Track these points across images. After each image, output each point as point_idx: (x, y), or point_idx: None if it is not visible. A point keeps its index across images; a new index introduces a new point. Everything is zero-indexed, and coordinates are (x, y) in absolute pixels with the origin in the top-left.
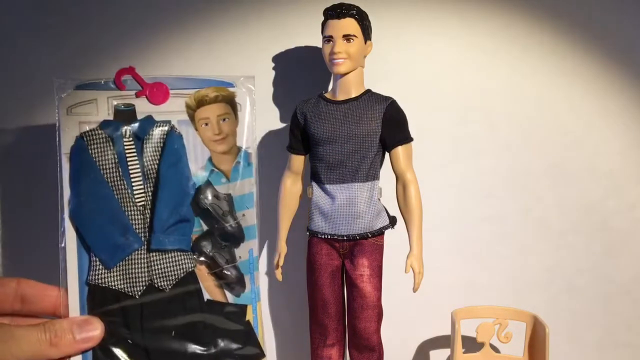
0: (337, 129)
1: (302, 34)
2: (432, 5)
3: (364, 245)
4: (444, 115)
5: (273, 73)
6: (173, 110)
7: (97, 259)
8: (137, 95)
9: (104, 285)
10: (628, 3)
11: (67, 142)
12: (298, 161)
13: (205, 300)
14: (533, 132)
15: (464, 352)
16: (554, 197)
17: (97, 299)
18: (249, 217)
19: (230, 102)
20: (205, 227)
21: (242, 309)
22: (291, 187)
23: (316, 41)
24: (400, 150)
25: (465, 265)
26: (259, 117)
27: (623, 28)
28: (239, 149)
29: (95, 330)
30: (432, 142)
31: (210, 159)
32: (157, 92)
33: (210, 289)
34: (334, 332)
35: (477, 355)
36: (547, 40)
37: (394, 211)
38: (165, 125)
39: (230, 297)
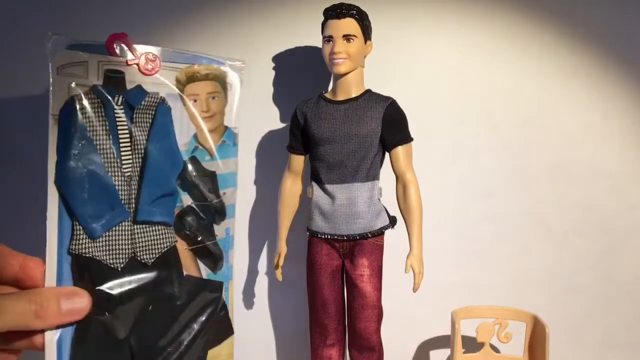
0: (337, 129)
1: (302, 34)
2: (432, 5)
3: (364, 245)
4: (444, 115)
5: (273, 73)
6: (162, 82)
7: (82, 228)
8: (128, 64)
9: (87, 255)
10: (628, 3)
11: (56, 103)
12: (298, 161)
13: (184, 275)
14: (533, 132)
15: (464, 352)
16: (555, 197)
17: (79, 270)
18: (229, 196)
19: (221, 81)
20: (186, 202)
21: (218, 285)
22: (291, 187)
23: (316, 41)
24: (400, 150)
25: (465, 265)
26: (260, 116)
27: (623, 28)
28: (226, 128)
29: (82, 302)
30: (432, 142)
31: (195, 136)
32: (148, 62)
33: (187, 265)
34: (334, 332)
35: (477, 355)
36: (548, 40)
37: (394, 211)
38: (157, 97)
39: (205, 274)
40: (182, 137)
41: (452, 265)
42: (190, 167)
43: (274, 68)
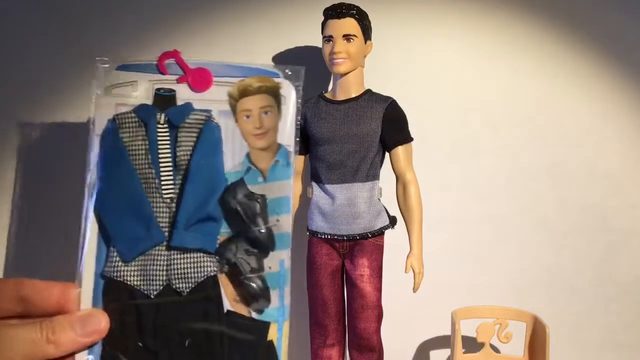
0: (337, 129)
1: (302, 34)
2: (432, 5)
3: (364, 245)
4: (444, 115)
5: None
6: (215, 99)
7: (116, 251)
8: (179, 81)
9: (119, 279)
10: (628, 3)
11: (100, 124)
12: (298, 161)
13: (225, 310)
14: (533, 133)
15: (464, 352)
16: (554, 197)
17: (111, 293)
18: (284, 223)
19: (274, 94)
20: (233, 230)
21: (264, 325)
22: None
23: (316, 41)
24: (400, 150)
25: (465, 265)
26: None
27: (623, 29)
28: (279, 146)
29: (99, 323)
30: (432, 142)
31: (248, 155)
32: (199, 78)
33: (231, 299)
34: (334, 332)
35: (477, 355)
36: (547, 41)
37: (394, 211)
38: (203, 114)
39: (253, 314)
40: (235, 157)
41: (452, 265)
42: (236, 190)
43: None
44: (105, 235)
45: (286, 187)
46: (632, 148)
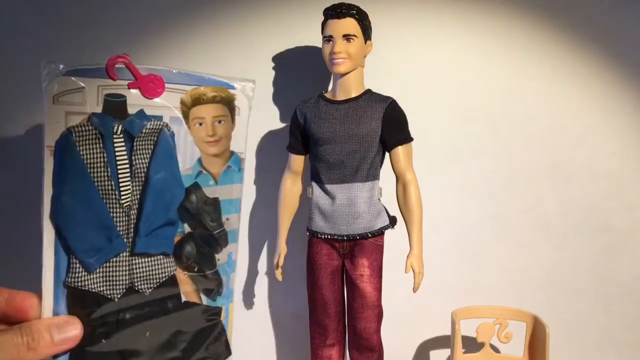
0: (337, 129)
1: (302, 34)
2: (432, 5)
3: (364, 245)
4: (444, 115)
5: (273, 73)
6: (166, 105)
7: (78, 262)
8: (130, 87)
9: (83, 288)
10: (628, 3)
11: (52, 134)
12: (298, 161)
13: (182, 301)
14: (533, 132)
15: (464, 352)
16: (554, 197)
17: (76, 302)
18: (233, 221)
19: (228, 105)
20: (187, 230)
21: (217, 311)
22: (291, 187)
23: (316, 41)
24: (400, 150)
25: (465, 265)
26: (259, 117)
27: (623, 28)
28: (232, 153)
29: (75, 330)
30: (433, 142)
31: (199, 160)
32: (151, 84)
33: (186, 291)
34: (334, 332)
35: (477, 355)
36: (548, 40)
37: (394, 211)
38: (159, 122)
39: (205, 301)
40: (186, 162)
41: (452, 266)
42: (192, 195)
43: (274, 68)
44: (65, 245)
45: (237, 190)
46: (632, 148)
